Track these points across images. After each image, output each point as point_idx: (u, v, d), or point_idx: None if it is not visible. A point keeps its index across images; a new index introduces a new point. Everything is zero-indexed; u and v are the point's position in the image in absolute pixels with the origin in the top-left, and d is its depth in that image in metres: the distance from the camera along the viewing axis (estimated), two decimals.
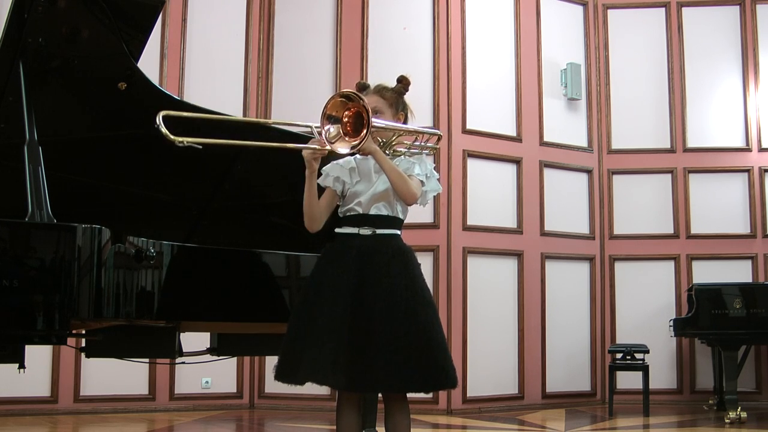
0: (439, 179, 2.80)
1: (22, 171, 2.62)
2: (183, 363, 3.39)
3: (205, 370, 5.80)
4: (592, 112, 7.11)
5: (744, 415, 5.52)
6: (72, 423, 5.50)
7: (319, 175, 2.72)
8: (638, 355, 6.06)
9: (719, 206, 6.94)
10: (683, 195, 6.98)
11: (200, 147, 2.55)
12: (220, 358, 3.60)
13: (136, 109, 2.97)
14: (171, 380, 6.19)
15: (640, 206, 7.03)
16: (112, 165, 3.22)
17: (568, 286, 6.83)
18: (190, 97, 6.12)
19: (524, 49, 6.78)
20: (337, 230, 2.70)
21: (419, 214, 5.72)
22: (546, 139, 6.82)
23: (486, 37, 6.67)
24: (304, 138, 2.88)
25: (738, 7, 7.11)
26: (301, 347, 2.54)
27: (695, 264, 6.88)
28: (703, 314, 5.74)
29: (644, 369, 6.01)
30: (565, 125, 6.98)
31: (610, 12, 7.23)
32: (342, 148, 2.51)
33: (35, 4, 2.63)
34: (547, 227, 6.75)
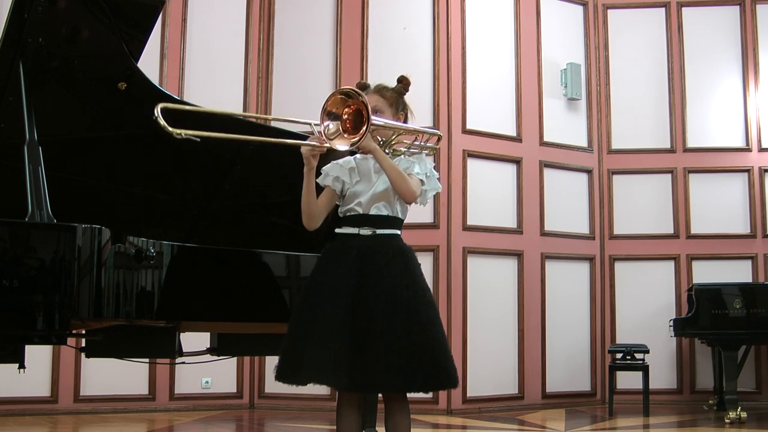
0: (439, 178, 2.80)
1: (22, 171, 2.61)
2: (183, 363, 3.39)
3: (205, 370, 5.80)
4: (592, 112, 7.11)
5: (744, 415, 5.52)
6: (72, 423, 5.50)
7: (319, 174, 2.72)
8: (638, 355, 6.06)
9: (719, 206, 6.94)
10: (683, 195, 6.98)
11: (198, 139, 2.54)
12: (220, 358, 3.60)
13: (136, 109, 2.97)
14: (171, 380, 6.19)
15: (640, 206, 7.03)
16: (112, 165, 3.22)
17: (568, 286, 6.83)
18: (190, 97, 6.12)
19: (524, 49, 6.78)
20: (337, 230, 2.70)
21: (419, 214, 5.72)
22: (546, 139, 6.82)
23: (486, 37, 6.67)
24: (302, 137, 2.89)
25: (738, 7, 7.11)
26: (302, 348, 2.54)
27: (695, 264, 6.88)
28: (703, 314, 5.74)
29: (644, 369, 6.01)
30: (565, 125, 6.98)
31: (610, 12, 7.23)
32: (341, 144, 2.52)
33: (35, 4, 2.63)
34: (547, 227, 6.75)
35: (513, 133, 6.69)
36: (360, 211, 2.67)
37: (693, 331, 5.92)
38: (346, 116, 2.53)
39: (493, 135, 6.58)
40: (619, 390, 6.35)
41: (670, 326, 6.05)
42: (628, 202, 7.05)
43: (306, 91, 6.42)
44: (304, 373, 2.52)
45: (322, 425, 5.48)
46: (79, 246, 2.49)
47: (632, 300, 6.91)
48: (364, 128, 2.45)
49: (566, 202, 6.90)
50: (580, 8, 7.17)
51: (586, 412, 6.36)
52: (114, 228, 2.60)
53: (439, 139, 2.89)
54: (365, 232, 2.64)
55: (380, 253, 2.60)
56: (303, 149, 2.62)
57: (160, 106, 2.49)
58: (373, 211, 2.66)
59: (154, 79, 3.12)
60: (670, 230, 6.97)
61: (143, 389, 6.12)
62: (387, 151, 2.69)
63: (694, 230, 6.92)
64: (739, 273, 6.71)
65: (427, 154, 2.84)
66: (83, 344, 3.26)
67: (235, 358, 6.18)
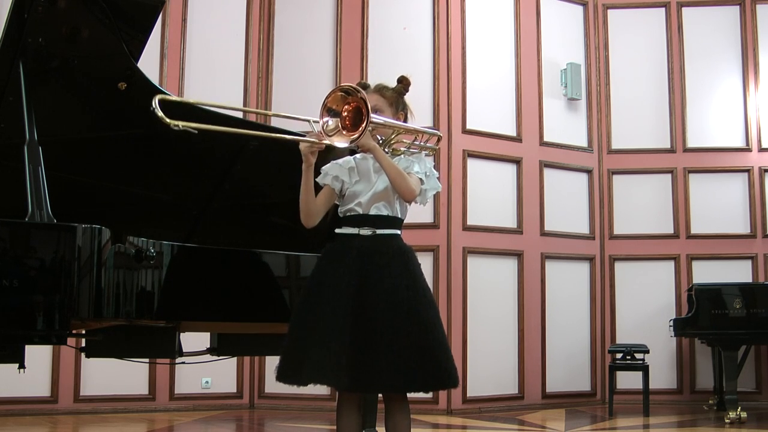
0: (438, 177, 2.80)
1: (22, 171, 2.62)
2: (183, 363, 3.39)
3: (205, 370, 5.79)
4: (592, 112, 7.11)
5: (744, 415, 5.52)
6: (72, 423, 5.50)
7: (318, 173, 2.72)
8: (638, 355, 6.06)
9: (719, 206, 6.94)
10: (683, 195, 6.98)
11: (196, 131, 2.53)
12: (220, 358, 3.60)
13: (136, 109, 2.97)
14: (171, 380, 6.19)
15: (640, 206, 7.03)
16: (112, 165, 3.22)
17: (568, 286, 6.83)
18: (189, 97, 6.12)
19: (524, 49, 6.78)
20: (337, 231, 2.70)
21: (419, 214, 5.73)
22: (546, 139, 6.82)
23: (486, 37, 6.67)
24: (301, 135, 2.89)
25: (738, 7, 7.11)
26: (303, 348, 2.54)
27: (695, 264, 6.88)
28: (703, 314, 5.74)
29: (644, 369, 6.01)
30: (565, 125, 6.98)
31: (610, 12, 7.23)
32: (340, 141, 2.52)
33: (35, 4, 2.63)
34: (547, 227, 6.75)
35: (513, 133, 6.69)
36: (360, 211, 2.67)
37: (693, 331, 5.92)
38: (345, 113, 2.53)
39: (493, 135, 6.58)
40: (619, 390, 6.35)
41: (670, 326, 6.05)
42: (628, 202, 7.05)
43: (306, 91, 6.41)
44: (305, 374, 2.52)
45: (322, 425, 5.48)
46: (79, 246, 2.49)
47: (632, 300, 6.91)
48: (364, 125, 2.46)
49: (566, 202, 6.90)
50: (580, 8, 7.17)
51: (586, 412, 6.36)
52: (114, 228, 2.60)
53: (438, 140, 2.89)
54: (365, 232, 2.64)
55: (380, 253, 2.60)
56: (301, 146, 2.62)
57: (158, 97, 2.48)
58: (373, 211, 2.66)
59: (154, 79, 3.12)
60: (670, 230, 6.97)
61: (143, 389, 6.12)
62: (386, 150, 2.69)
63: (694, 230, 6.92)
64: (739, 273, 6.71)
65: (426, 155, 2.84)
66: (83, 344, 3.26)
67: (235, 358, 6.18)
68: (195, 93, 6.28)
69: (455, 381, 2.57)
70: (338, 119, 2.53)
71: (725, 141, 7.02)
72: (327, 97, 2.53)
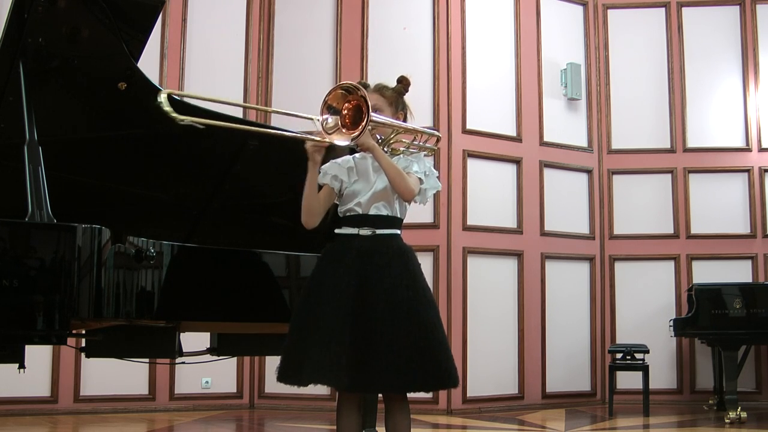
0: (438, 177, 2.80)
1: (22, 171, 2.62)
2: (183, 363, 3.39)
3: (205, 370, 5.79)
4: (592, 112, 7.11)
5: (744, 415, 5.52)
6: (72, 423, 5.50)
7: (318, 173, 2.72)
8: (638, 355, 6.06)
9: (719, 206, 6.94)
10: (683, 195, 6.98)
11: (202, 126, 2.55)
12: (220, 358, 3.60)
13: (136, 109, 2.97)
14: (171, 380, 6.19)
15: (640, 206, 7.03)
16: (113, 165, 3.22)
17: (568, 286, 6.83)
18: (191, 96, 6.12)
19: (524, 49, 6.78)
20: (336, 231, 2.70)
21: (419, 213, 5.73)
22: (546, 139, 6.82)
23: (486, 37, 6.67)
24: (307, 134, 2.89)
25: (738, 7, 7.11)
26: (303, 348, 2.54)
27: (695, 264, 6.88)
28: (703, 314, 5.74)
29: (644, 369, 6.01)
30: (565, 125, 6.98)
31: (610, 12, 7.23)
32: (339, 139, 2.52)
33: (35, 4, 2.63)
34: (547, 227, 6.75)
35: (513, 133, 6.69)
36: (359, 211, 2.67)
37: (693, 331, 5.92)
38: (345, 111, 2.53)
39: (493, 135, 6.58)
40: (619, 390, 6.35)
41: (670, 326, 6.04)
42: (628, 202, 7.05)
43: (306, 91, 6.41)
44: (305, 374, 2.52)
45: (322, 425, 5.48)
46: (79, 246, 2.49)
47: (632, 300, 6.91)
48: (364, 124, 2.46)
49: (566, 202, 6.90)
50: (580, 8, 7.17)
51: (586, 412, 6.36)
52: (114, 228, 2.60)
53: (438, 140, 2.89)
54: (365, 232, 2.64)
55: (380, 253, 2.60)
56: (307, 144, 2.61)
57: (166, 91, 2.50)
58: (372, 211, 2.66)
59: (154, 79, 3.12)
60: (670, 230, 6.97)
61: (143, 389, 6.12)
62: (386, 149, 2.68)
63: (694, 230, 6.92)
64: (739, 273, 6.71)
65: (425, 155, 2.84)
66: (83, 344, 3.26)
67: (235, 358, 6.18)
68: (195, 93, 6.27)
69: (455, 381, 2.57)
70: (338, 117, 2.53)
71: (725, 141, 7.02)
72: (328, 95, 2.53)
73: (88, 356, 3.30)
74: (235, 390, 6.41)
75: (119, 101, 2.98)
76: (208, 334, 3.61)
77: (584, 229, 6.98)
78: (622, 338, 6.76)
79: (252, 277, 3.02)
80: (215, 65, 6.57)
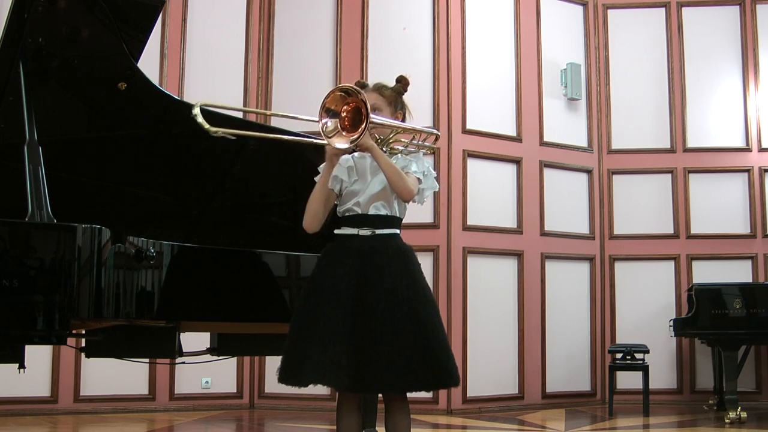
0: (436, 177, 2.80)
1: (22, 171, 2.62)
2: (183, 363, 3.39)
3: (205, 370, 5.79)
4: (592, 112, 7.11)
5: (744, 415, 5.52)
6: (72, 423, 5.50)
7: (317, 173, 2.72)
8: (638, 355, 6.06)
9: (719, 206, 6.94)
10: (683, 195, 6.98)
11: (234, 138, 2.60)
12: (220, 358, 3.60)
13: (136, 109, 2.97)
14: (171, 380, 6.19)
15: (640, 206, 7.03)
16: (113, 165, 3.22)
17: (568, 286, 6.83)
18: (190, 97, 6.12)
19: (524, 49, 6.78)
20: (336, 231, 2.70)
21: (419, 213, 5.73)
22: (546, 139, 6.82)
23: (486, 37, 6.67)
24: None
25: (738, 7, 7.11)
26: (304, 349, 2.54)
27: (695, 264, 6.88)
28: (703, 314, 5.74)
29: (644, 369, 6.01)
30: (565, 125, 6.98)
31: (610, 12, 7.23)
32: (339, 142, 2.51)
33: (35, 4, 2.63)
34: (547, 227, 6.75)
35: (513, 133, 6.69)
36: (359, 211, 2.66)
37: (693, 331, 5.92)
38: (345, 114, 2.52)
39: (493, 135, 6.58)
40: (619, 390, 6.35)
41: (670, 326, 6.05)
42: (628, 202, 7.05)
43: (306, 91, 6.41)
44: (307, 375, 2.51)
45: (322, 425, 5.48)
46: (79, 246, 2.49)
47: (632, 300, 6.91)
48: (363, 126, 2.45)
49: (566, 202, 6.90)
50: (580, 8, 7.17)
51: (586, 412, 6.36)
52: (114, 228, 2.60)
53: (436, 139, 2.89)
54: (364, 232, 2.64)
55: (380, 253, 2.60)
56: (328, 148, 2.61)
57: (200, 104, 2.59)
58: (371, 211, 2.65)
59: (154, 79, 3.12)
60: (670, 230, 6.97)
61: (143, 389, 6.12)
62: (384, 149, 2.68)
63: (694, 230, 6.92)
64: (739, 273, 6.71)
65: (424, 154, 2.84)
66: (83, 344, 3.26)
67: (235, 358, 6.18)
68: (195, 93, 6.28)
69: (456, 380, 2.56)
70: (337, 120, 2.53)
71: (725, 141, 7.02)
72: (326, 98, 2.53)
73: (88, 356, 3.29)
74: (235, 390, 6.41)
75: (119, 101, 2.98)
76: (208, 334, 3.61)
77: (584, 229, 6.98)
78: (622, 338, 6.76)
79: (252, 277, 3.02)
80: (215, 65, 6.57)
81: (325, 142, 2.57)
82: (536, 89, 6.81)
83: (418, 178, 2.68)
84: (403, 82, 2.81)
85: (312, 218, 2.70)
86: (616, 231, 7.02)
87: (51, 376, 5.83)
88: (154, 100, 3.01)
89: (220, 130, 2.53)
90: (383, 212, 2.66)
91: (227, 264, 2.95)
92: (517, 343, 6.49)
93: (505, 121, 6.67)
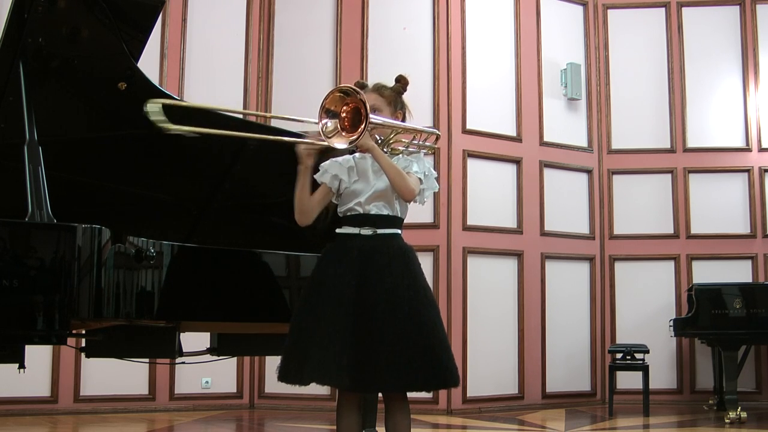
0: (437, 178, 2.80)
1: (22, 171, 2.61)
2: (183, 363, 3.39)
3: (205, 370, 5.79)
4: (592, 112, 7.11)
5: (744, 415, 5.52)
6: (72, 423, 5.50)
7: (317, 170, 2.72)
8: (638, 355, 6.06)
9: (719, 206, 6.94)
10: (683, 195, 6.98)
11: (194, 135, 2.56)
12: (220, 358, 3.60)
13: (136, 109, 2.97)
14: (171, 380, 6.19)
15: (640, 206, 7.03)
16: (112, 165, 3.21)
17: (568, 286, 6.83)
18: (190, 97, 6.14)
19: (524, 49, 6.78)
20: (337, 231, 2.70)
21: (419, 213, 5.73)
22: (546, 139, 6.82)
23: (486, 37, 6.67)
24: (300, 136, 2.89)
25: (738, 7, 7.11)
26: (304, 348, 2.54)
27: (695, 264, 6.88)
28: (703, 314, 5.74)
29: (644, 369, 6.01)
30: (565, 125, 6.98)
31: (610, 12, 7.23)
32: (339, 143, 2.51)
33: (35, 4, 2.63)
34: (547, 227, 6.75)
35: (513, 133, 6.69)
36: (360, 210, 2.67)
37: (693, 331, 5.92)
38: (344, 114, 2.53)
39: (493, 135, 6.58)
40: (619, 390, 6.35)
41: (670, 326, 6.04)
42: (628, 202, 7.05)
43: (306, 91, 6.41)
44: (306, 374, 2.52)
45: (322, 425, 5.48)
46: (79, 246, 2.49)
47: (632, 300, 6.91)
48: (363, 126, 2.45)
49: (566, 202, 6.90)
50: (580, 8, 7.17)
51: (586, 412, 6.36)
52: (114, 228, 2.60)
53: (437, 139, 2.89)
54: (366, 231, 2.64)
55: (381, 252, 2.60)
56: (297, 148, 2.62)
57: (150, 101, 2.51)
58: (373, 211, 2.66)
59: (154, 79, 3.12)
60: (670, 230, 6.97)
61: (143, 389, 6.12)
62: (385, 149, 2.68)
63: (694, 230, 6.92)
64: (739, 273, 6.71)
65: (425, 154, 2.84)
66: (83, 344, 3.26)
67: (235, 358, 6.18)
68: (195, 93, 6.29)
69: (456, 380, 2.57)
70: (337, 120, 2.53)
71: (725, 141, 7.02)
72: (325, 98, 2.53)
73: (88, 356, 3.29)
74: (235, 390, 6.41)
75: (119, 101, 2.97)
76: (208, 334, 3.61)
77: (584, 229, 6.98)
78: (622, 338, 6.76)
79: (252, 277, 3.02)
80: (215, 65, 6.57)
81: (293, 139, 2.57)
82: (536, 89, 6.81)
83: (420, 179, 2.68)
84: (402, 82, 2.81)
85: (300, 214, 2.72)
86: (616, 231, 7.02)
87: (51, 376, 5.83)
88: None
89: (172, 127, 2.50)
90: (385, 212, 2.66)
91: (227, 264, 2.95)
92: (517, 343, 6.49)
93: (505, 121, 6.67)
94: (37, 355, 5.42)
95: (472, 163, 6.44)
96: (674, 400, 6.74)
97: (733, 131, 7.03)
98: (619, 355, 6.15)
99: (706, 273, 6.70)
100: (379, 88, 2.78)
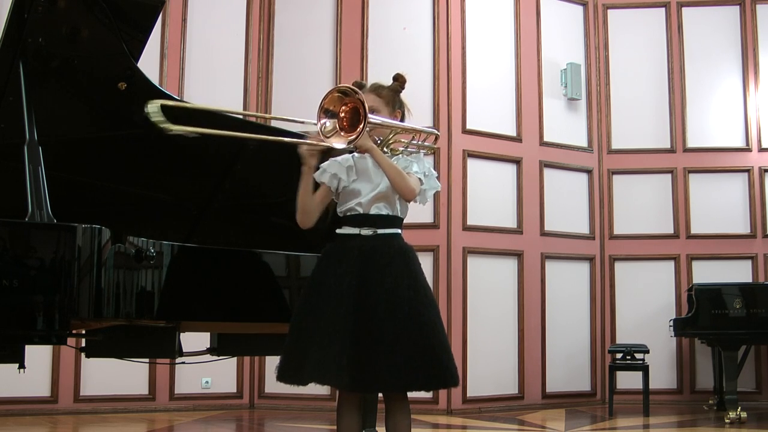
0: (437, 177, 2.80)
1: (22, 171, 2.62)
2: (183, 363, 3.38)
3: (205, 370, 5.79)
4: (592, 112, 7.11)
5: (744, 415, 5.52)
6: (72, 423, 5.50)
7: (316, 170, 2.72)
8: (638, 355, 6.06)
9: (719, 206, 6.94)
10: (683, 195, 6.98)
11: (193, 135, 2.56)
12: (220, 358, 3.60)
13: (136, 109, 2.96)
14: (171, 380, 6.19)
15: (640, 206, 7.03)
16: (112, 165, 3.22)
17: (568, 286, 6.83)
18: (190, 97, 6.13)
19: (524, 49, 6.78)
20: (337, 231, 2.70)
21: (419, 214, 5.72)
22: (546, 139, 6.82)
23: (486, 37, 6.67)
24: (301, 137, 2.89)
25: (738, 7, 7.11)
26: (304, 348, 2.54)
27: (695, 264, 6.88)
28: (703, 314, 5.74)
29: (644, 369, 6.01)
30: (565, 125, 6.98)
31: (610, 12, 7.23)
32: (338, 143, 2.52)
33: (35, 4, 2.63)
34: (547, 227, 6.75)
35: (513, 133, 6.69)
36: (360, 210, 2.66)
37: (693, 331, 5.92)
38: (343, 114, 2.53)
39: (493, 135, 6.58)
40: (619, 390, 6.35)
41: (670, 326, 6.04)
42: (628, 202, 7.05)
43: (306, 91, 6.40)
44: (305, 374, 2.52)
45: (322, 425, 5.48)
46: (79, 246, 2.49)
47: (632, 300, 6.91)
48: (361, 126, 2.45)
49: (566, 202, 6.90)
50: (580, 8, 7.17)
51: (586, 412, 6.36)
52: (114, 228, 2.60)
53: (436, 139, 2.89)
54: (366, 232, 2.64)
55: (381, 252, 2.60)
56: (300, 148, 2.62)
57: (152, 102, 2.51)
58: (373, 211, 2.65)
59: (154, 79, 3.12)
60: (670, 230, 6.97)
61: (143, 389, 6.12)
62: (385, 150, 2.68)
63: (694, 230, 6.92)
64: (739, 273, 6.71)
65: (425, 154, 2.84)
66: (83, 344, 3.26)
67: (235, 358, 6.18)
68: (195, 93, 6.28)
69: (456, 380, 2.57)
70: (336, 120, 2.53)
71: (725, 141, 7.02)
72: (324, 99, 2.53)
73: (88, 356, 3.29)
74: (235, 390, 6.41)
75: (119, 101, 2.98)
76: (208, 334, 3.61)
77: (584, 229, 6.98)
78: (622, 338, 6.76)
79: (252, 277, 3.02)
80: (215, 65, 6.57)
81: (295, 140, 2.57)
82: (536, 89, 6.81)
83: (420, 179, 2.68)
84: (400, 80, 2.79)
85: (302, 215, 2.71)
86: (616, 231, 7.02)
87: (51, 376, 5.83)
88: (154, 99, 3.00)
89: (173, 128, 2.51)
90: (385, 212, 2.66)
91: (227, 264, 2.95)
92: (517, 343, 6.49)
93: (505, 121, 6.67)
94: (37, 355, 5.42)
95: (472, 163, 6.44)
96: (674, 400, 6.74)
97: (733, 131, 7.03)
98: (619, 355, 6.15)
99: (706, 273, 6.70)
100: (376, 89, 2.77)
